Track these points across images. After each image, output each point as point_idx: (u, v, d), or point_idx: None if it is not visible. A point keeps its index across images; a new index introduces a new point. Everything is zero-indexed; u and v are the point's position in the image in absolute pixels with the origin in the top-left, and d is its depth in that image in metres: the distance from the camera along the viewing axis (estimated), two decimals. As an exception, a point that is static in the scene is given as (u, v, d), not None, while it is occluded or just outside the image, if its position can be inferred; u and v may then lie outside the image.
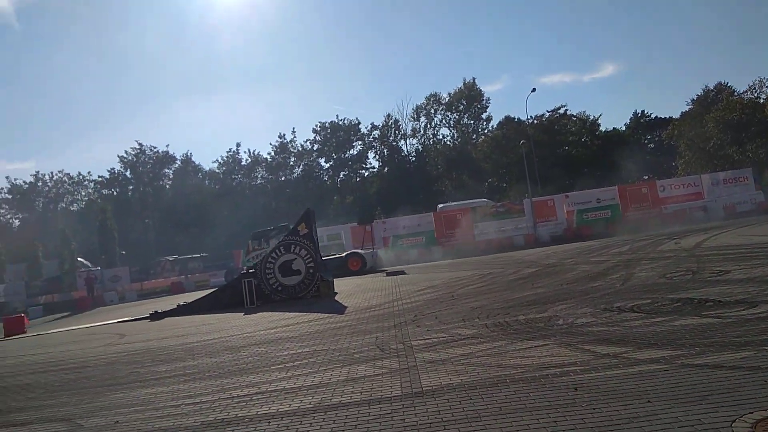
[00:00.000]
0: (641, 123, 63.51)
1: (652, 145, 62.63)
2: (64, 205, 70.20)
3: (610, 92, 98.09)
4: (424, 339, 8.21)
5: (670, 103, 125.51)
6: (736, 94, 51.67)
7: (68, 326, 19.93)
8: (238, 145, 70.29)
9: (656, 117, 62.72)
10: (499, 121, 62.60)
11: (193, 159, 69.38)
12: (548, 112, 59.70)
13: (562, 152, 55.75)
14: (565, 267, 16.20)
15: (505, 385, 5.43)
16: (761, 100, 48.17)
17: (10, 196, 68.31)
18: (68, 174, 70.44)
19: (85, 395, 7.47)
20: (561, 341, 6.99)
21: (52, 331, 19.15)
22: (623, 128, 62.81)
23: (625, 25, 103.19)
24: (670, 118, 57.98)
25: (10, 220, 69.56)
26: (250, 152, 68.30)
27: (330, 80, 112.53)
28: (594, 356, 6.11)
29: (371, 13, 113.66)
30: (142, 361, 9.66)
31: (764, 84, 50.19)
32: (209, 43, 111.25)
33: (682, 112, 56.40)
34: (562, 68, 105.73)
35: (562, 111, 59.66)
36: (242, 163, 68.74)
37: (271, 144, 68.71)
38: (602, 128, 59.67)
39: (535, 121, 57.32)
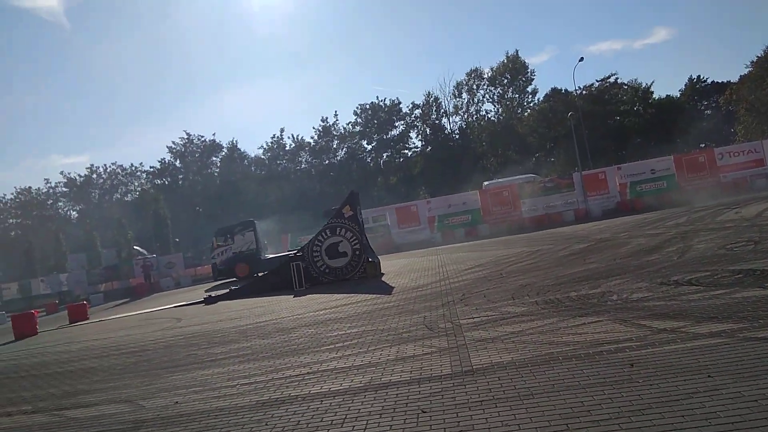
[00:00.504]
0: (697, 89, 60.27)
1: (708, 112, 59.42)
2: (118, 196, 73.20)
3: (662, 58, 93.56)
4: (473, 318, 8.14)
5: (728, 66, 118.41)
6: (800, 52, 48.19)
7: (127, 312, 20.85)
8: (281, 130, 71.14)
9: (713, 82, 59.38)
10: (546, 94, 60.81)
11: (238, 146, 70.82)
12: (597, 81, 57.50)
13: (613, 123, 53.71)
14: (619, 241, 15.69)
15: (557, 362, 5.31)
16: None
17: (67, 189, 71.78)
18: (121, 166, 73.44)
19: (145, 377, 7.79)
20: (615, 317, 6.78)
21: (112, 317, 20.09)
22: (678, 95, 59.85)
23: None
24: (728, 82, 54.79)
25: (69, 213, 73.18)
26: (294, 137, 69.11)
27: (370, 61, 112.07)
28: (650, 331, 5.91)
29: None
30: (198, 344, 9.99)
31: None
32: (250, 29, 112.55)
33: (740, 76, 53.12)
34: (611, 35, 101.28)
35: (612, 80, 57.32)
36: (286, 148, 69.64)
37: (314, 128, 69.20)
38: (655, 96, 57.00)
39: (584, 92, 55.32)
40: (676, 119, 51.43)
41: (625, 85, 57.31)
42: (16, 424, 6.40)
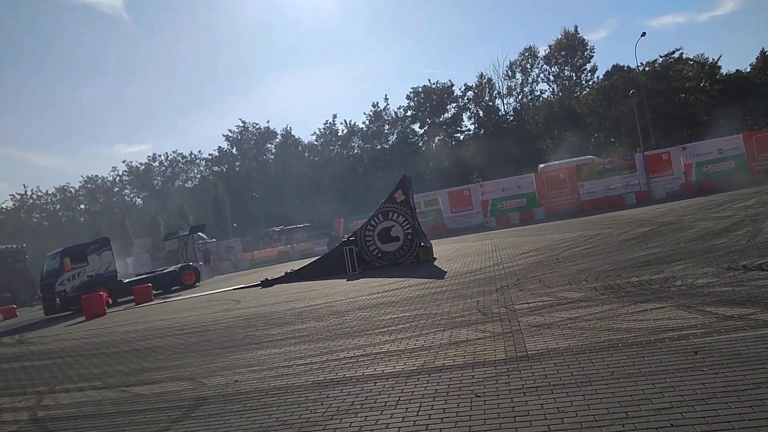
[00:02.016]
0: (770, 62, 56.28)
1: (782, 85, 55.48)
2: (179, 183, 76.15)
3: (731, 30, 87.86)
4: (528, 303, 8.01)
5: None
6: None
7: (189, 294, 21.75)
8: (334, 116, 72.05)
9: (788, 54, 55.25)
10: (606, 71, 58.34)
11: (292, 133, 72.03)
12: (661, 57, 54.57)
13: (677, 100, 51.00)
14: (683, 224, 15.00)
15: (617, 349, 5.16)
16: None
17: (131, 177, 75.33)
18: (181, 154, 76.33)
19: (207, 356, 8.12)
20: (679, 303, 6.51)
21: (175, 298, 21.01)
22: (748, 69, 56.15)
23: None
24: (806, 54, 50.86)
25: (134, 199, 76.77)
26: (346, 123, 69.61)
27: (422, 44, 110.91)
28: (716, 318, 5.64)
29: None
30: (256, 325, 10.31)
31: None
32: (301, 17, 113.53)
33: (821, 46, 49.23)
34: (675, 8, 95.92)
35: (676, 55, 54.28)
36: (339, 134, 70.26)
37: (365, 113, 69.40)
38: (723, 71, 53.67)
39: (647, 68, 52.74)
40: (746, 95, 48.29)
41: (691, 60, 54.19)
42: (88, 398, 6.82)
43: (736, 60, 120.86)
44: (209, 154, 74.52)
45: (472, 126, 66.55)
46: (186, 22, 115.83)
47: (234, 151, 73.09)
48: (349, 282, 15.17)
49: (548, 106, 61.75)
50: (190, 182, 76.22)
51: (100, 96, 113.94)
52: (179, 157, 76.39)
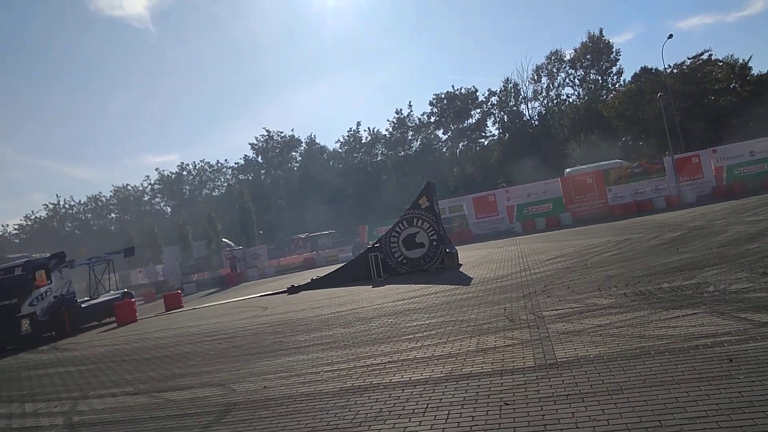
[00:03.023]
0: (805, 61, 54.66)
1: (819, 85, 53.82)
2: (207, 191, 77.48)
3: (761, 31, 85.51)
4: (556, 309, 7.92)
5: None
6: None
7: (218, 300, 22.04)
8: (358, 123, 72.52)
9: (824, 52, 53.62)
10: (634, 73, 57.34)
11: (317, 141, 72.65)
12: (689, 59, 53.44)
13: (707, 102, 49.87)
14: (715, 229, 14.65)
15: (648, 356, 5.07)
16: None
17: (161, 186, 76.97)
18: (208, 162, 77.86)
19: (236, 362, 8.23)
20: (712, 309, 6.36)
21: (204, 305, 21.30)
22: (780, 70, 54.64)
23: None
24: (843, 51, 49.29)
25: (163, 208, 78.33)
26: (370, 130, 69.92)
27: (446, 50, 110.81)
28: (752, 325, 5.50)
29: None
30: (283, 332, 10.41)
31: None
32: (324, 26, 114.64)
33: None
34: (702, 9, 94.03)
35: (705, 57, 53.14)
36: (362, 141, 70.58)
37: (388, 120, 69.62)
38: (754, 72, 52.29)
39: (675, 71, 51.74)
40: (779, 96, 46.94)
41: (720, 61, 52.96)
42: (120, 404, 6.97)
43: (766, 60, 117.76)
44: (235, 163, 75.90)
45: (497, 131, 66.17)
46: (210, 33, 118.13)
47: (259, 159, 74.08)
48: (374, 288, 15.20)
49: (574, 110, 61.03)
50: (217, 191, 77.51)
51: (128, 107, 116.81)
52: (206, 166, 77.83)
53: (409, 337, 7.80)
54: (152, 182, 77.65)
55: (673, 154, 33.18)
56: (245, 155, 74.83)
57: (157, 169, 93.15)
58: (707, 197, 29.81)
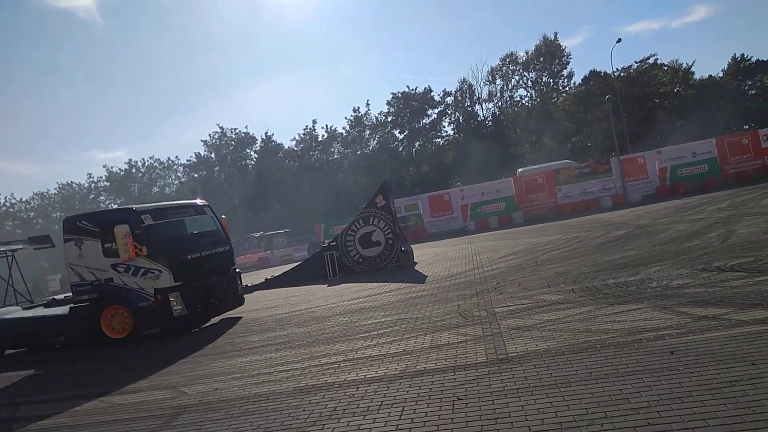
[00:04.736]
0: (741, 68, 57.77)
1: (753, 92, 56.95)
2: (157, 189, 75.21)
3: (703, 37, 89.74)
4: (508, 306, 8.09)
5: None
6: None
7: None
8: (314, 121, 71.59)
9: (758, 60, 56.70)
10: (584, 76, 59.21)
11: (273, 138, 71.66)
12: (636, 63, 55.53)
13: (652, 105, 52.03)
14: (659, 227, 15.28)
15: (595, 350, 5.25)
16: None
17: (108, 184, 74.25)
18: (159, 159, 75.38)
19: (187, 365, 8.03)
20: (655, 304, 6.64)
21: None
22: (720, 75, 57.55)
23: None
24: (774, 59, 52.28)
25: (111, 206, 75.63)
26: (327, 128, 69.52)
27: (402, 50, 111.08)
28: (691, 319, 5.78)
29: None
30: (236, 332, 10.23)
31: None
32: (280, 21, 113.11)
33: (789, 52, 50.65)
34: (649, 15, 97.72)
35: (651, 61, 55.38)
36: (319, 139, 70.12)
37: (345, 118, 69.29)
38: (696, 76, 54.90)
39: (622, 74, 53.69)
40: (719, 100, 49.47)
41: (665, 65, 55.33)
42: (63, 409, 6.69)
43: (708, 65, 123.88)
44: (187, 160, 73.77)
45: (452, 131, 66.98)
46: (163, 27, 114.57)
47: (213, 156, 72.46)
48: (329, 287, 15.12)
49: (527, 111, 62.47)
50: (168, 188, 75.34)
51: (75, 102, 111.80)
52: (157, 163, 75.52)
53: (365, 335, 7.80)
54: (99, 179, 74.81)
55: (619, 155, 34.40)
56: (197, 152, 73.00)
57: (104, 166, 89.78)
58: (651, 197, 31.05)
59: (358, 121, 68.07)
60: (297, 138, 70.74)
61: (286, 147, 71.94)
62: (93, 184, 75.01)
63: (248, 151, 72.72)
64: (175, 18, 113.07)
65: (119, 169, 74.81)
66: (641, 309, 6.54)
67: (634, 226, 16.80)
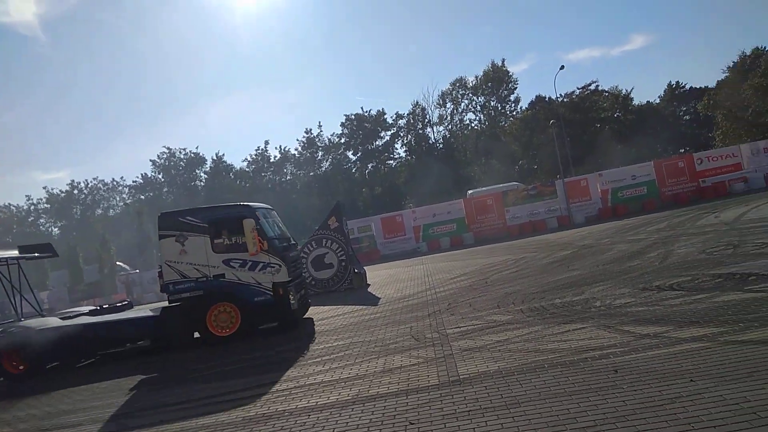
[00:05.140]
0: (676, 94, 61.39)
1: (687, 117, 60.52)
2: (100, 211, 72.46)
3: (641, 64, 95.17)
4: (459, 327, 8.17)
5: (706, 72, 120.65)
6: (774, 58, 49.27)
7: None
8: (266, 142, 71.01)
9: (691, 87, 60.46)
10: (530, 101, 61.48)
11: (224, 159, 70.55)
12: (578, 89, 58.18)
13: (594, 129, 54.42)
14: (601, 247, 15.86)
15: (543, 370, 5.35)
16: (802, 63, 45.94)
17: (48, 206, 70.98)
18: (102, 181, 72.82)
19: (129, 394, 7.68)
20: (599, 323, 6.85)
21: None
22: (657, 101, 60.92)
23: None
24: (706, 87, 55.80)
25: (50, 229, 72.17)
26: (281, 148, 69.10)
27: (356, 72, 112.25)
28: (634, 337, 5.99)
29: (391, 1, 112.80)
30: (182, 359, 9.87)
31: (804, 45, 47.84)
32: (233, 42, 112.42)
33: (718, 81, 54.15)
34: (590, 43, 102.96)
35: (592, 87, 58.09)
36: (271, 160, 69.54)
37: (298, 140, 69.13)
38: (635, 102, 57.90)
39: (566, 100, 56.02)
40: (656, 125, 52.24)
41: (606, 92, 58.12)
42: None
43: (646, 92, 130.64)
44: (133, 181, 71.61)
45: (404, 153, 67.85)
46: (110, 43, 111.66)
47: (161, 177, 70.60)
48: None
49: (476, 135, 64.08)
50: (112, 210, 72.73)
51: (14, 121, 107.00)
52: (101, 184, 72.87)
53: (317, 360, 7.69)
54: (38, 201, 71.40)
55: (563, 178, 35.64)
56: (144, 173, 70.98)
57: (45, 188, 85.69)
58: (594, 218, 32.22)
59: (310, 143, 68.04)
60: (249, 159, 70.01)
61: (237, 168, 70.98)
62: (32, 207, 71.50)
63: (198, 171, 71.31)
64: (124, 35, 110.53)
65: (60, 190, 71.77)
66: (586, 328, 6.73)
67: (578, 246, 17.36)
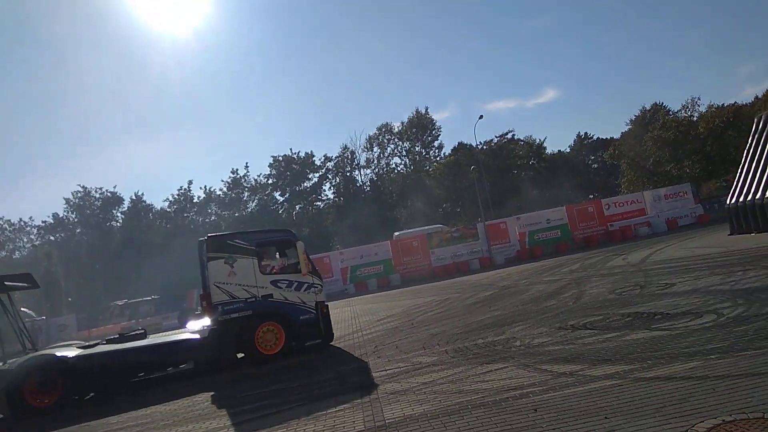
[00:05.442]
0: (584, 144, 66.24)
1: (596, 166, 65.27)
2: (5, 253, 66.86)
3: (553, 116, 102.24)
4: (386, 370, 8.18)
5: (611, 124, 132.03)
6: (670, 113, 54.60)
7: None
8: (190, 182, 68.70)
9: (598, 138, 65.54)
10: (453, 147, 64.08)
11: (143, 199, 67.60)
12: (497, 137, 61.49)
13: (512, 175, 57.31)
14: (520, 288, 16.51)
15: (466, 411, 5.45)
16: (694, 118, 51.06)
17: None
18: (9, 221, 67.45)
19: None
20: (519, 363, 7.09)
21: None
22: (568, 150, 65.36)
23: (563, 52, 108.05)
24: (611, 138, 60.67)
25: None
26: (205, 188, 67.24)
27: (284, 114, 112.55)
28: (551, 376, 6.22)
29: (320, 45, 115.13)
30: (87, 409, 9.18)
31: (696, 103, 53.43)
32: (159, 79, 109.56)
33: (622, 133, 59.17)
34: (507, 94, 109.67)
35: (509, 136, 61.55)
36: (194, 201, 67.45)
37: (223, 180, 67.65)
38: (548, 151, 61.82)
39: (485, 147, 58.83)
40: (568, 172, 55.81)
41: (521, 141, 61.69)
42: None
43: (558, 141, 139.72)
44: (42, 221, 66.86)
45: (332, 195, 68.13)
46: (21, 77, 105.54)
47: (74, 217, 66.40)
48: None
49: (402, 178, 65.60)
50: (18, 252, 67.25)
51: None
52: (6, 225, 67.42)
53: (238, 409, 7.41)
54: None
55: (484, 221, 37.03)
56: (55, 213, 66.51)
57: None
58: (513, 259, 33.54)
59: (236, 183, 66.86)
60: (170, 199, 67.50)
61: (158, 208, 68.21)
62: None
63: (114, 211, 67.80)
64: (36, 67, 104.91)
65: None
66: (507, 368, 6.95)
67: (499, 287, 17.97)
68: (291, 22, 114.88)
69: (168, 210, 67.58)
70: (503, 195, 51.59)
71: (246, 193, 67.48)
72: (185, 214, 66.84)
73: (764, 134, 19.51)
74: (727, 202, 20.46)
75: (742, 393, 4.48)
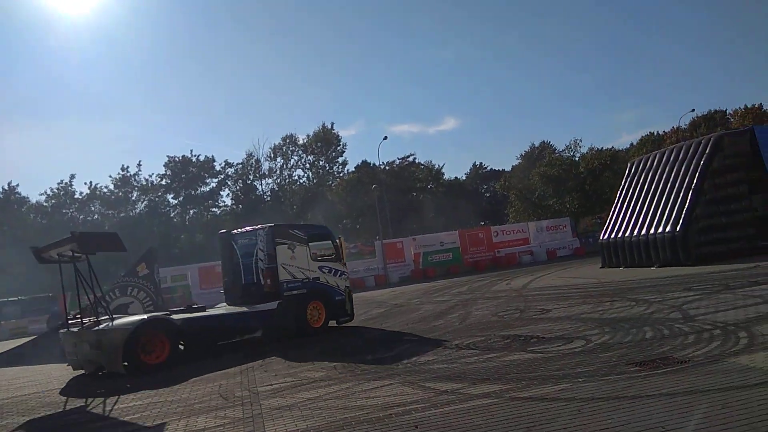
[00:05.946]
0: (479, 173, 69.91)
1: (488, 195, 69.02)
2: None
3: (453, 144, 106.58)
4: (272, 384, 8.01)
5: (504, 156, 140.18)
6: (556, 152, 59.32)
7: None
8: (72, 176, 63.09)
9: (491, 169, 69.56)
10: (357, 165, 64.65)
11: (17, 190, 61.27)
12: (399, 159, 63.08)
13: (411, 197, 58.92)
14: (411, 307, 16.94)
15: (350, 427, 5.47)
16: (576, 158, 55.74)
17: None
18: None
19: None
20: (404, 380, 7.25)
21: None
22: (464, 177, 68.57)
23: (465, 85, 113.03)
24: (503, 170, 64.66)
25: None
26: (90, 184, 62.07)
27: (186, 114, 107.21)
28: (434, 393, 6.41)
29: (227, 47, 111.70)
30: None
31: (579, 144, 58.61)
32: (43, 67, 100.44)
33: (512, 166, 63.28)
34: (410, 119, 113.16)
35: (411, 159, 63.40)
36: (76, 196, 62.20)
37: (110, 177, 62.86)
38: (446, 176, 64.40)
39: (387, 168, 60.09)
40: (462, 199, 58.47)
41: (422, 164, 63.85)
42: None
43: (456, 168, 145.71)
44: None
45: (231, 202, 65.95)
46: None
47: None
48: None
49: (304, 191, 65.11)
50: None
51: None
52: None
53: (101, 424, 6.90)
54: None
55: (382, 239, 37.69)
56: None
57: None
58: (408, 278, 34.39)
59: (125, 181, 62.57)
60: (48, 192, 61.67)
61: (33, 201, 62.07)
62: None
63: (-22, 203, 60.78)
64: None
65: None
66: (393, 384, 7.08)
67: (391, 305, 18.33)
68: (205, 17, 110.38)
69: (45, 204, 61.79)
70: (402, 215, 52.85)
71: (136, 193, 63.42)
72: (64, 210, 61.46)
73: (635, 178, 21.72)
74: (601, 237, 22.44)
75: (604, 415, 4.82)
